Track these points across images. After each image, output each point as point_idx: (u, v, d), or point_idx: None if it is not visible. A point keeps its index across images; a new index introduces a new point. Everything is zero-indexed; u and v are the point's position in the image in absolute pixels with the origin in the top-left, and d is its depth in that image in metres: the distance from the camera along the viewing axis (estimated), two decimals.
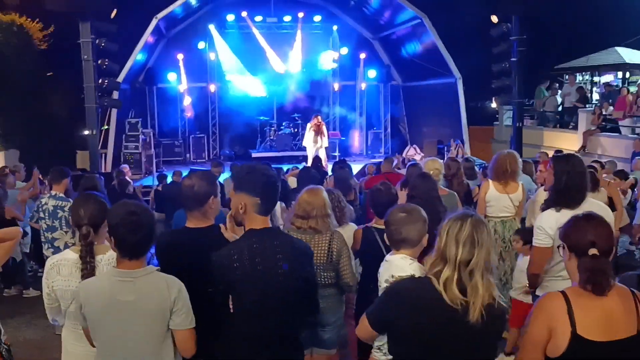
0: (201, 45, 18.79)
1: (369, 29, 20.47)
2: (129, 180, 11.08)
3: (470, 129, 17.77)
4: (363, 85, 20.31)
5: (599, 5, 19.32)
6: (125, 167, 13.31)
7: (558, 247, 2.54)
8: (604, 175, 8.06)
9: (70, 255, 2.97)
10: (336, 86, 20.08)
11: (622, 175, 8.53)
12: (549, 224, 3.60)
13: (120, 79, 14.39)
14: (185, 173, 11.08)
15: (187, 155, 19.27)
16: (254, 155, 18.14)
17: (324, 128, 15.43)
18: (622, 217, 7.16)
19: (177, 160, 18.66)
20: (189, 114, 19.15)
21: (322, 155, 15.23)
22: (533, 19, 14.33)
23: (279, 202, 5.43)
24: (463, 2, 15.64)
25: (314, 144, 15.33)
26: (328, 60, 19.44)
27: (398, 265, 2.99)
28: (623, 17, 19.66)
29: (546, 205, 3.78)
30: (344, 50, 19.48)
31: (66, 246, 5.87)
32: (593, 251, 2.27)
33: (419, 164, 7.61)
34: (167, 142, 18.86)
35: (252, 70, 18.91)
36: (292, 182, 8.64)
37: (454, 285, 2.28)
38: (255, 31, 18.66)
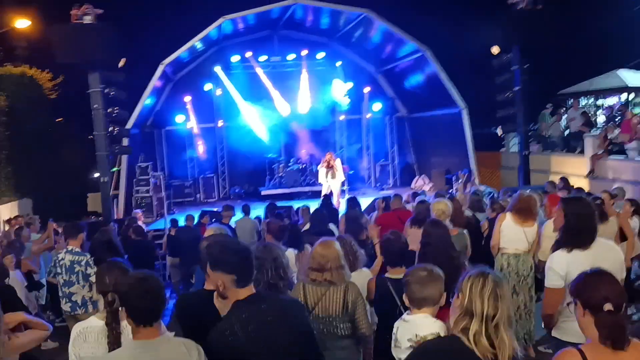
0: (208, 86, 19.10)
1: (372, 63, 20.76)
2: (142, 226, 11.22)
3: (478, 155, 17.86)
4: (369, 118, 20.50)
5: (599, 29, 19.57)
6: (138, 212, 13.51)
7: (568, 304, 2.58)
8: (613, 203, 8.04)
9: (96, 323, 3.03)
10: (342, 120, 20.28)
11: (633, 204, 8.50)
12: (560, 265, 3.65)
13: (129, 125, 14.66)
14: (196, 215, 11.23)
15: (198, 195, 19.44)
16: (263, 192, 18.25)
17: (336, 163, 15.57)
18: (635, 246, 7.15)
19: (188, 201, 18.82)
20: (202, 154, 19.38)
21: (336, 189, 15.36)
22: (533, 48, 14.54)
23: (290, 250, 5.49)
24: (464, 34, 15.89)
25: (328, 180, 15.48)
26: (339, 93, 19.65)
27: (421, 325, 3.06)
28: (624, 40, 19.88)
29: (557, 246, 3.83)
30: (349, 85, 19.72)
31: (84, 300, 5.95)
32: (608, 307, 2.32)
33: (427, 201, 7.69)
34: (177, 183, 19.05)
35: (258, 109, 19.14)
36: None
37: (483, 338, 2.36)
38: (260, 71, 18.96)
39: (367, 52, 20.12)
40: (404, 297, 3.17)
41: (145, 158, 16.98)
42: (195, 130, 19.31)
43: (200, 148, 19.37)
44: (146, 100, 16.34)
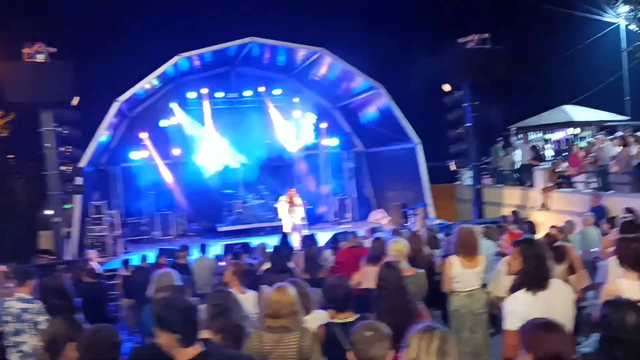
0: (164, 123, 18.98)
1: (328, 99, 21.07)
2: (96, 266, 10.96)
3: (433, 188, 18.21)
4: (326, 153, 20.68)
5: (547, 66, 20.44)
6: (92, 252, 13.15)
7: (520, 353, 2.64)
8: (563, 237, 8.30)
9: None
10: (300, 155, 20.37)
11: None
12: (519, 307, 3.69)
13: (83, 163, 14.41)
14: (152, 254, 11.05)
15: (154, 232, 19.10)
16: (220, 229, 18.10)
17: (297, 200, 15.61)
18: (584, 278, 7.36)
19: (145, 239, 18.48)
20: (172, 184, 19.16)
21: (297, 225, 15.36)
22: (483, 85, 15.07)
23: (250, 292, 5.47)
24: (417, 72, 16.35)
25: (289, 215, 15.46)
26: (302, 128, 19.82)
27: None
28: (570, 77, 20.78)
29: (515, 288, 3.88)
30: (306, 121, 19.86)
31: (33, 350, 5.76)
32: None
33: (382, 237, 7.78)
34: (133, 221, 18.71)
35: (215, 145, 19.09)
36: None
37: None
38: (207, 108, 18.86)
39: (324, 88, 20.44)
40: (352, 355, 3.12)
41: (101, 196, 16.67)
42: (160, 163, 19.07)
43: (169, 180, 19.13)
44: (101, 137, 16.14)
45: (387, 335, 3.04)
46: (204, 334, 3.53)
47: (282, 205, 15.55)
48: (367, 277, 6.13)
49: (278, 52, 18.75)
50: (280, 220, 15.68)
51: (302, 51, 18.14)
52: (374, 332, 3.03)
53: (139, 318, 9.75)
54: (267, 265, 7.68)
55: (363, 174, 21.62)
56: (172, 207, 19.59)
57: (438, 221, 15.21)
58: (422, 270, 5.75)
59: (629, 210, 10.49)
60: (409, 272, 5.47)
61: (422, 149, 17.65)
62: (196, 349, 2.74)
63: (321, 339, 4.11)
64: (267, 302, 3.76)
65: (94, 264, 11.17)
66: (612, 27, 19.92)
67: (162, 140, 19.03)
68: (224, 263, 9.68)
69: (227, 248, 10.45)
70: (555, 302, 3.82)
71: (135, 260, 11.30)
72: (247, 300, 5.03)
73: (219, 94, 19.09)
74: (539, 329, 2.54)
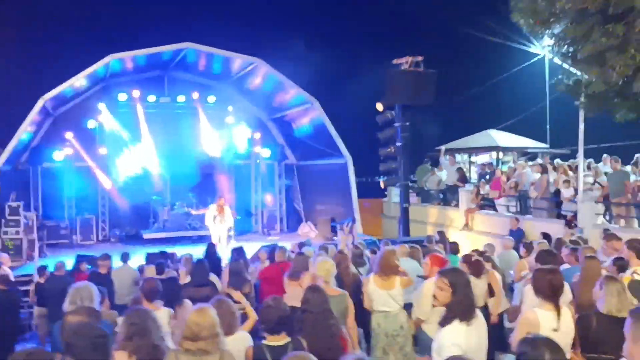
0: (91, 124, 18.35)
1: (262, 109, 21.03)
2: (8, 271, 10.40)
3: (362, 202, 18.48)
4: (258, 163, 20.59)
5: (476, 91, 21.22)
6: (4, 256, 12.48)
7: None
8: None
9: None
10: (232, 164, 20.18)
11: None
12: (460, 339, 3.67)
13: (0, 161, 13.69)
14: (69, 260, 10.57)
15: (74, 237, 18.34)
16: (145, 236, 17.63)
17: (227, 210, 15.42)
18: (502, 302, 7.63)
19: (63, 244, 17.72)
20: (111, 187, 18.47)
21: (224, 235, 15.16)
22: (415, 105, 15.45)
23: (166, 309, 5.34)
24: (351, 90, 16.60)
25: (216, 225, 15.24)
26: (235, 137, 19.62)
27: None
28: (496, 103, 21.64)
29: (448, 320, 3.80)
30: (239, 130, 19.72)
31: None
32: None
33: (305, 254, 7.80)
34: (52, 224, 17.90)
35: (143, 150, 18.61)
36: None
37: None
38: (140, 111, 18.41)
39: (258, 98, 20.38)
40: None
41: (18, 196, 15.87)
42: (85, 165, 18.37)
43: (107, 184, 18.43)
44: (22, 135, 15.40)
45: None
46: (119, 355, 3.41)
47: (210, 214, 15.33)
48: (290, 294, 6.13)
49: (214, 60, 18.56)
50: (208, 229, 15.46)
51: (238, 60, 18.04)
52: None
53: (52, 329, 9.35)
54: (187, 278, 7.52)
55: (294, 187, 21.66)
56: (94, 211, 18.91)
57: (365, 237, 15.43)
58: (346, 292, 5.79)
59: (545, 235, 11.00)
60: (334, 293, 5.50)
61: (352, 165, 17.89)
62: None
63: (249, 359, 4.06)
64: (187, 324, 3.66)
65: (6, 269, 10.59)
66: (537, 58, 20.96)
67: (88, 141, 18.37)
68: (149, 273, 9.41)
69: (150, 257, 10.13)
70: (482, 330, 3.90)
71: (51, 266, 10.77)
72: (160, 317, 4.91)
73: (151, 98, 18.65)
74: None
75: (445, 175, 18.00)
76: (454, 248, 9.79)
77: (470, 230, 15.59)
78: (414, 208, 17.61)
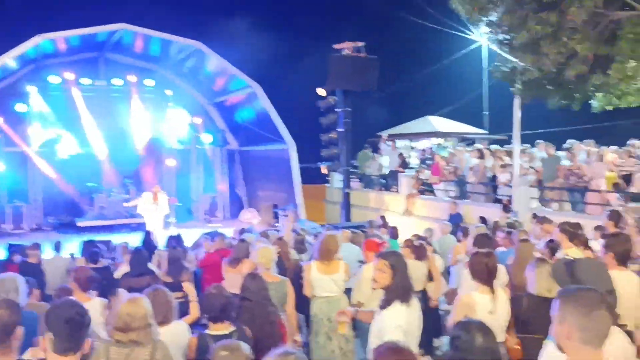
0: (21, 107, 17.49)
1: (203, 94, 20.59)
2: None
3: (304, 188, 18.46)
4: (199, 149, 20.23)
5: (416, 78, 21.48)
6: None
7: None
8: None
9: None
10: (171, 150, 19.74)
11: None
12: (402, 320, 3.72)
13: None
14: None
15: (4, 226, 17.51)
16: (80, 224, 17.03)
17: (162, 196, 15.05)
18: (441, 286, 7.79)
19: None
20: (55, 175, 17.72)
21: (160, 223, 14.81)
22: (356, 92, 15.51)
23: (97, 300, 5.15)
24: (294, 75, 16.48)
25: (152, 212, 14.87)
26: (173, 122, 19.13)
27: None
28: (436, 89, 21.97)
29: (389, 302, 3.85)
30: (179, 115, 19.26)
31: None
32: None
33: (247, 240, 7.71)
34: None
35: (77, 134, 17.93)
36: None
37: None
38: (77, 94, 17.74)
39: (199, 82, 19.95)
40: None
41: None
42: (24, 150, 17.54)
43: (40, 170, 17.61)
44: None
45: (246, 355, 2.95)
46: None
47: (144, 201, 14.95)
48: (229, 281, 6.04)
49: (152, 42, 18.01)
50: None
51: (177, 43, 17.56)
52: (230, 353, 2.93)
53: None
54: (126, 268, 7.29)
55: (236, 173, 21.40)
56: (25, 198, 18.12)
57: (308, 222, 15.41)
58: (286, 278, 5.74)
59: (482, 219, 11.30)
60: (274, 279, 5.44)
61: (295, 151, 17.80)
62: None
63: (193, 351, 3.95)
64: (118, 314, 3.52)
65: None
66: (476, 45, 21.39)
67: (18, 125, 17.52)
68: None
69: (85, 246, 9.76)
70: (419, 313, 3.98)
71: None
72: (92, 308, 4.71)
73: (86, 81, 17.94)
74: (392, 353, 2.57)
75: (386, 161, 18.18)
76: (393, 233, 9.90)
77: (411, 215, 15.84)
78: (355, 193, 17.73)
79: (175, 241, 9.01)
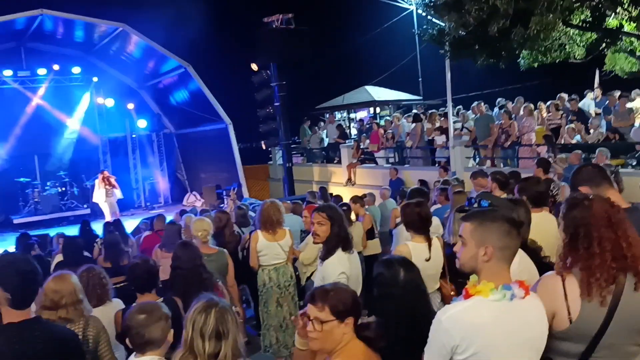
0: None
1: (133, 78, 19.99)
2: None
3: (247, 169, 18.31)
4: (134, 136, 19.72)
5: (347, 49, 21.48)
6: None
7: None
8: (361, 206, 8.79)
9: None
10: (105, 138, 19.17)
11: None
12: (344, 267, 3.81)
13: None
14: None
15: None
16: (16, 221, 16.39)
17: (113, 180, 14.68)
18: (376, 246, 8.01)
19: None
20: None
21: (114, 208, 14.51)
22: (290, 65, 15.39)
23: None
24: (225, 51, 16.19)
25: (107, 198, 14.50)
26: (114, 110, 18.61)
27: None
28: (371, 59, 22.04)
29: (331, 252, 3.92)
30: (110, 102, 18.68)
31: None
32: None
33: (177, 223, 7.61)
34: None
35: (3, 128, 17.17)
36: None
37: None
38: None
39: (128, 67, 19.33)
40: (127, 342, 2.95)
41: None
42: None
43: None
44: None
45: (164, 315, 2.90)
46: None
47: (98, 190, 14.58)
48: (162, 267, 5.93)
49: (74, 27, 17.29)
50: (86, 207, 14.68)
51: (101, 27, 16.93)
52: (147, 315, 2.87)
53: None
54: (61, 257, 7.06)
55: (175, 157, 21.00)
56: None
57: (251, 200, 15.32)
58: (224, 250, 5.68)
59: (421, 182, 11.50)
60: (210, 251, 5.38)
61: (232, 129, 17.58)
62: (27, 313, 2.70)
63: (119, 324, 3.86)
64: (44, 292, 3.39)
65: None
66: (406, 12, 21.56)
67: None
68: None
69: (19, 240, 9.40)
70: (359, 261, 4.12)
71: None
72: None
73: (7, 72, 17.12)
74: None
75: (325, 133, 18.22)
76: (337, 200, 9.98)
77: (354, 185, 15.96)
78: (298, 168, 17.72)
79: (112, 226, 8.78)
